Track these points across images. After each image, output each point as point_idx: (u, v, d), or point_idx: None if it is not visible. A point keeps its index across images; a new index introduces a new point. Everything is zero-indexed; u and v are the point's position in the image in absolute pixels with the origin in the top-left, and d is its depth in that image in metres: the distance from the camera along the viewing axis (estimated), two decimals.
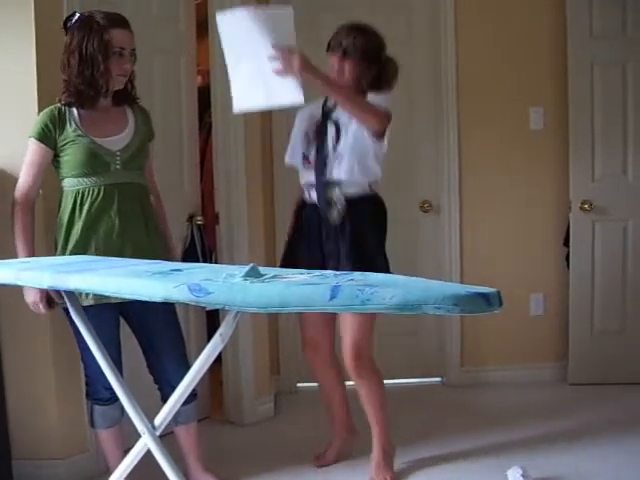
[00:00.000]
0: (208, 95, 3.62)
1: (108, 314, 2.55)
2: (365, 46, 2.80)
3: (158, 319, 2.61)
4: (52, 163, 2.54)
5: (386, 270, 2.76)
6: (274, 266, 2.75)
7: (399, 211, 3.98)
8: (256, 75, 2.54)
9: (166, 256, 2.59)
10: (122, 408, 2.35)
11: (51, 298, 2.51)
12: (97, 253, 2.48)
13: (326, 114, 2.88)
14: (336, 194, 2.80)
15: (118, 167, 2.54)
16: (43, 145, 2.50)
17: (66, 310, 2.38)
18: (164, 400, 2.47)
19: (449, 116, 4.05)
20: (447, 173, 4.09)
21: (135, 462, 2.21)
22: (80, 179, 2.51)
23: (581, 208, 3.97)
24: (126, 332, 2.68)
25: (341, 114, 2.81)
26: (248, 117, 3.46)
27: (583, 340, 4.05)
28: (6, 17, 2.80)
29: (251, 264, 1.74)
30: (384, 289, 1.46)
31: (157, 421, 2.12)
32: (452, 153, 4.07)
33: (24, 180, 2.53)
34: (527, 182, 4.10)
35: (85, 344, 2.29)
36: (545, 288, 4.18)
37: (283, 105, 2.66)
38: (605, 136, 3.97)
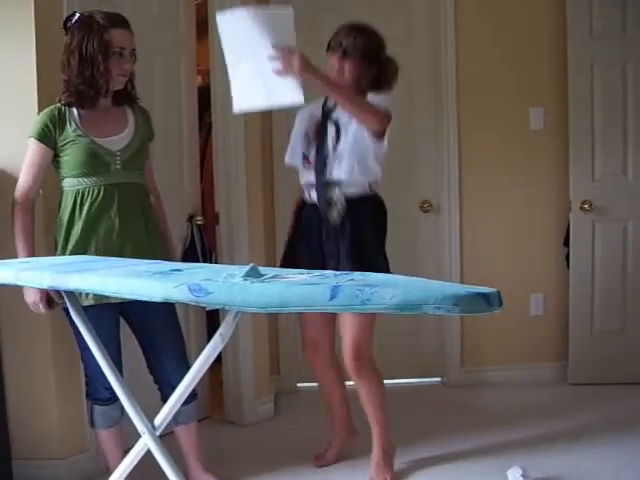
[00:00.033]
0: (208, 95, 3.63)
1: (108, 314, 2.55)
2: (365, 46, 2.80)
3: (158, 319, 2.61)
4: (52, 163, 2.54)
5: (386, 270, 2.76)
6: (274, 266, 2.75)
7: (399, 211, 3.98)
8: (256, 75, 2.54)
9: (166, 256, 2.59)
10: (122, 408, 2.35)
11: (51, 298, 2.51)
12: (97, 253, 2.48)
13: (326, 114, 2.88)
14: (336, 194, 2.80)
15: (118, 167, 2.53)
16: (43, 145, 2.50)
17: (66, 310, 2.38)
18: (164, 400, 2.47)
19: (449, 116, 4.05)
20: (447, 173, 4.09)
21: (135, 462, 2.21)
22: (80, 179, 2.51)
23: (581, 208, 3.97)
24: (126, 332, 2.68)
25: (341, 114, 2.81)
26: (248, 117, 3.46)
27: (583, 340, 4.05)
28: (6, 17, 2.80)
29: (251, 264, 1.74)
30: (384, 289, 1.46)
31: (157, 421, 2.12)
32: (452, 153, 4.07)
33: (24, 180, 2.53)
34: (527, 182, 4.10)
35: (85, 344, 2.29)
36: (545, 288, 4.18)
37: (283, 105, 2.66)
38: (605, 136, 3.97)
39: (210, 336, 1.95)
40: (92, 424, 2.69)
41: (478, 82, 4.05)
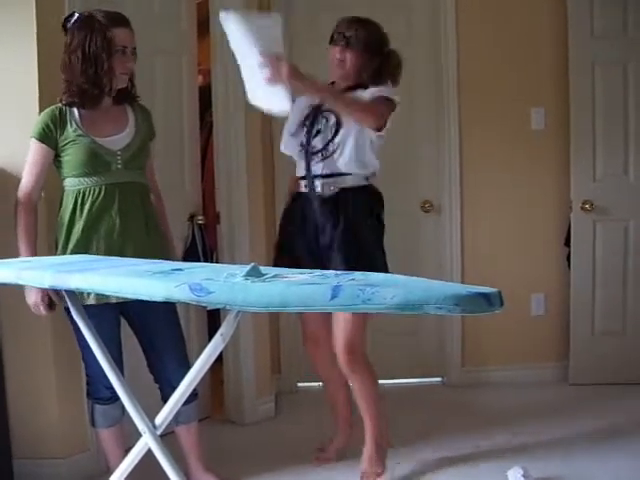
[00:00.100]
0: (209, 94, 3.62)
1: (109, 313, 2.55)
2: (367, 38, 2.81)
3: (159, 319, 2.61)
4: (53, 163, 2.55)
5: (384, 267, 2.76)
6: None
7: (400, 211, 3.99)
8: (254, 77, 2.55)
9: (167, 256, 2.59)
10: (123, 407, 2.35)
11: (52, 300, 2.51)
12: (98, 253, 2.48)
13: (324, 104, 2.86)
14: (333, 185, 2.79)
15: (119, 167, 2.54)
16: (44, 145, 2.50)
17: (67, 309, 2.38)
18: (164, 400, 2.46)
19: (450, 116, 4.05)
20: (448, 173, 4.09)
21: (136, 461, 2.21)
22: (81, 179, 2.51)
23: (582, 208, 3.97)
24: (127, 331, 2.68)
25: None
26: (249, 117, 3.46)
27: (584, 340, 4.05)
28: (7, 17, 2.80)
29: (252, 263, 1.74)
30: (385, 289, 1.46)
31: (158, 420, 2.12)
32: (453, 153, 4.07)
33: (26, 180, 2.54)
34: (528, 182, 4.10)
35: (86, 343, 2.29)
36: (546, 288, 4.17)
37: (271, 112, 2.68)
38: (606, 136, 3.97)
39: (211, 336, 1.95)
40: (93, 423, 2.69)
41: (479, 82, 4.05)
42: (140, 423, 2.13)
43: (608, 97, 3.95)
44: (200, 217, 3.57)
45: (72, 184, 2.52)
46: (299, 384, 4.13)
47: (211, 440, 3.15)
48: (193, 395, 2.51)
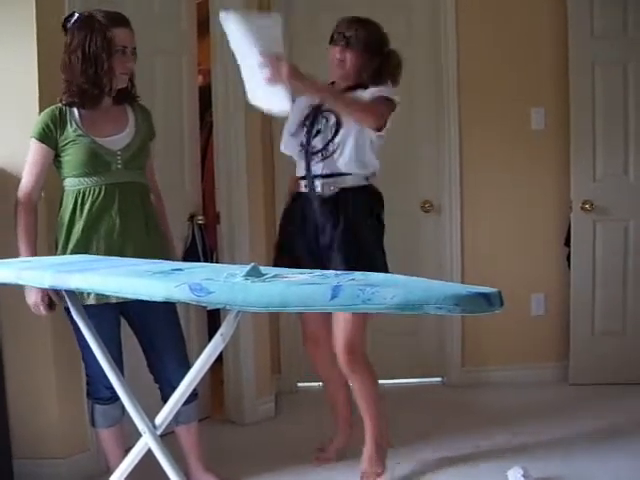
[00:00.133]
0: (209, 94, 3.63)
1: (109, 313, 2.55)
2: (368, 38, 2.80)
3: (159, 319, 2.61)
4: (53, 163, 2.55)
5: (385, 267, 2.76)
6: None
7: (400, 211, 3.99)
8: (254, 77, 2.55)
9: (167, 256, 2.59)
10: (123, 407, 2.35)
11: (52, 300, 2.51)
12: (98, 253, 2.48)
13: (324, 104, 2.85)
14: (333, 185, 2.79)
15: (119, 167, 2.54)
16: (44, 145, 2.50)
17: (67, 309, 2.38)
18: (164, 400, 2.46)
19: (450, 116, 4.05)
20: (448, 173, 4.09)
21: (136, 461, 2.21)
22: (81, 179, 2.51)
23: (582, 208, 3.97)
24: (127, 331, 2.68)
25: None
26: (249, 117, 3.46)
27: (584, 340, 4.05)
28: (7, 16, 2.80)
29: (252, 263, 1.74)
30: (385, 289, 1.46)
31: (158, 420, 2.12)
32: (453, 153, 4.07)
33: (27, 180, 2.54)
34: (528, 182, 4.10)
35: (86, 343, 2.29)
36: (546, 288, 4.17)
37: (271, 112, 2.68)
38: (606, 136, 3.97)
39: (211, 336, 1.95)
40: (93, 423, 2.69)
41: (479, 82, 4.05)
42: (140, 423, 2.13)
43: (608, 97, 3.95)
44: (200, 217, 3.57)
45: (72, 184, 2.52)
46: (299, 384, 4.13)
47: (211, 440, 3.15)
48: (193, 395, 2.51)
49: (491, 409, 3.78)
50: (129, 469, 2.25)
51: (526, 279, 4.10)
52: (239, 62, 2.58)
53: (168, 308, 2.57)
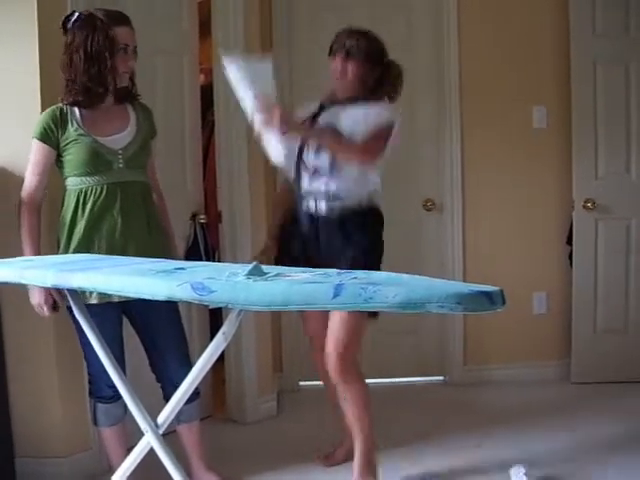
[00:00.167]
0: (211, 93, 3.63)
1: (111, 312, 2.55)
2: (368, 48, 2.77)
3: (161, 318, 2.62)
4: (55, 163, 2.55)
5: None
6: None
7: (402, 209, 4.00)
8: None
9: (169, 255, 2.59)
10: (125, 406, 2.35)
11: (56, 301, 2.51)
12: (100, 252, 2.48)
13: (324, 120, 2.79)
14: (335, 205, 2.74)
15: (121, 166, 2.54)
16: (46, 145, 2.51)
17: (69, 308, 2.38)
18: (166, 399, 2.47)
19: (452, 115, 4.05)
20: (450, 172, 4.09)
21: (138, 460, 2.21)
22: (83, 178, 2.51)
23: (584, 206, 3.97)
24: (129, 330, 2.68)
25: (339, 121, 2.74)
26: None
27: (586, 338, 4.05)
28: (8, 16, 2.80)
29: (254, 262, 1.74)
30: (387, 287, 1.46)
31: (160, 419, 2.12)
32: (455, 152, 4.07)
33: (29, 180, 2.54)
34: (530, 181, 4.10)
35: (88, 342, 2.28)
36: (548, 286, 4.17)
37: (269, 156, 2.69)
38: (608, 135, 3.97)
39: (213, 334, 1.95)
40: (95, 422, 2.70)
41: (481, 81, 4.05)
42: (142, 422, 2.13)
43: (610, 96, 3.95)
44: (202, 216, 3.57)
45: (74, 183, 2.52)
46: (301, 383, 4.13)
47: (213, 439, 3.15)
48: (195, 394, 2.52)
49: (493, 408, 3.78)
50: (131, 468, 2.25)
51: (528, 277, 4.10)
52: (241, 105, 2.58)
53: (170, 307, 2.57)
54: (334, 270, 1.77)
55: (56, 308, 2.54)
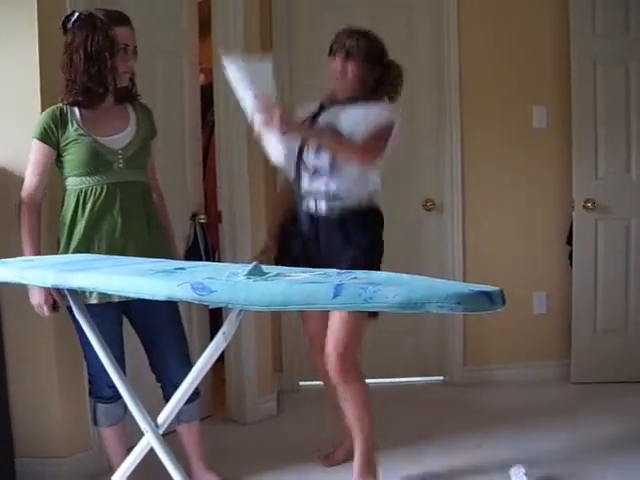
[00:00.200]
0: (211, 93, 3.63)
1: (111, 312, 2.55)
2: (368, 48, 2.76)
3: (161, 318, 2.62)
4: (55, 163, 2.55)
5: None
6: None
7: (402, 209, 4.00)
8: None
9: (169, 255, 2.59)
10: (125, 406, 2.35)
11: (56, 302, 2.51)
12: (100, 252, 2.48)
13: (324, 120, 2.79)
14: (334, 203, 2.74)
15: (121, 166, 2.54)
16: (46, 145, 2.51)
17: (69, 308, 2.38)
18: (166, 399, 2.47)
19: (452, 115, 4.05)
20: (450, 172, 4.09)
21: (138, 460, 2.21)
22: (83, 178, 2.51)
23: (584, 206, 3.97)
24: (129, 330, 2.68)
25: (339, 120, 2.74)
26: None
27: (586, 338, 4.05)
28: (8, 16, 2.80)
29: (254, 262, 1.74)
30: (387, 287, 1.46)
31: (160, 419, 2.12)
32: (455, 152, 4.07)
33: (29, 180, 2.54)
34: (530, 181, 4.10)
35: (88, 342, 2.28)
36: (548, 287, 4.17)
37: (269, 156, 2.69)
38: (608, 135, 3.97)
39: (213, 334, 1.95)
40: (95, 422, 2.70)
41: (480, 81, 4.05)
42: (142, 422, 2.13)
43: (610, 96, 3.95)
44: (202, 216, 3.57)
45: (74, 183, 2.52)
46: (301, 383, 4.13)
47: (213, 439, 3.15)
48: (195, 394, 2.52)
49: (493, 408, 3.78)
50: (131, 468, 2.25)
51: (528, 277, 4.10)
52: (241, 105, 2.58)
53: (170, 307, 2.57)
54: (334, 270, 1.77)
55: (56, 308, 2.54)
